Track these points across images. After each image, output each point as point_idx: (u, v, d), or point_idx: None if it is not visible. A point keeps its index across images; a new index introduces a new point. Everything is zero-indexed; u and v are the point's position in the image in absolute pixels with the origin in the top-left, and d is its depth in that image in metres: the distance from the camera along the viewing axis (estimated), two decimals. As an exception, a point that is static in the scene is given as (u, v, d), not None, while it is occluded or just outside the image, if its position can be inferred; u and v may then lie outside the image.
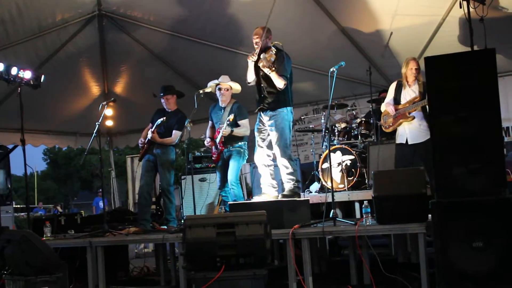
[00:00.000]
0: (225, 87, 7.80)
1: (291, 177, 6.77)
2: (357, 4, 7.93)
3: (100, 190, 14.03)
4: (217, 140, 7.78)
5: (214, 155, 7.91)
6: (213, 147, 7.90)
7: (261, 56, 6.70)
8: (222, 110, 7.88)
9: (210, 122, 8.12)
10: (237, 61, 9.24)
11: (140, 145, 8.23)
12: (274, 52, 6.55)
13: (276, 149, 6.79)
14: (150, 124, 8.19)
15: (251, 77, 6.98)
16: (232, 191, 7.67)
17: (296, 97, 10.31)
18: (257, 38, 6.83)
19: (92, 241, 7.11)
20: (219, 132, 7.73)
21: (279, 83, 6.66)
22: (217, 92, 7.85)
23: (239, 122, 7.73)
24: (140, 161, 8.31)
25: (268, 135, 6.90)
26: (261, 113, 6.95)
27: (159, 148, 7.98)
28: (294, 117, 11.00)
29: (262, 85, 6.90)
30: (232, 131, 7.67)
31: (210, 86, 7.84)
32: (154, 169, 8.11)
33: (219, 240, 5.12)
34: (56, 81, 9.55)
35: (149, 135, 7.92)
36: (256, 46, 6.85)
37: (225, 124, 7.60)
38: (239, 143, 7.77)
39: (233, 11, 8.33)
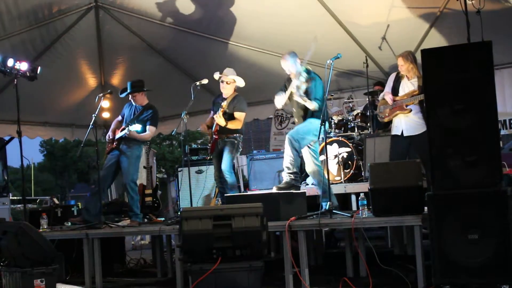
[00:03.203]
0: (227, 80, 7.75)
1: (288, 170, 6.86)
2: (355, -4, 7.95)
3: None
4: (213, 129, 7.76)
5: (209, 144, 7.91)
6: (210, 136, 7.88)
7: (294, 83, 6.84)
8: (223, 101, 7.83)
9: (211, 112, 8.05)
10: (233, 53, 9.23)
11: (108, 140, 8.08)
12: (305, 78, 6.70)
13: None
14: (120, 117, 8.14)
15: (282, 102, 7.11)
16: (226, 179, 7.61)
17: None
18: (289, 67, 7.03)
19: (88, 233, 7.13)
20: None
21: (312, 106, 6.83)
22: (220, 84, 7.82)
23: (235, 115, 7.67)
24: (108, 154, 8.12)
25: None
26: None
27: (127, 144, 7.84)
28: (291, 109, 11.07)
29: (294, 110, 7.17)
30: (226, 124, 7.60)
31: (215, 76, 7.80)
32: (116, 164, 7.95)
33: (216, 232, 5.13)
34: (52, 73, 9.54)
35: (126, 132, 7.68)
36: (289, 73, 7.07)
37: (219, 112, 7.57)
38: (234, 135, 7.71)
39: (230, 3, 8.31)
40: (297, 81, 6.80)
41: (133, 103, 8.00)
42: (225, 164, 7.64)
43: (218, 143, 7.74)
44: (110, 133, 8.07)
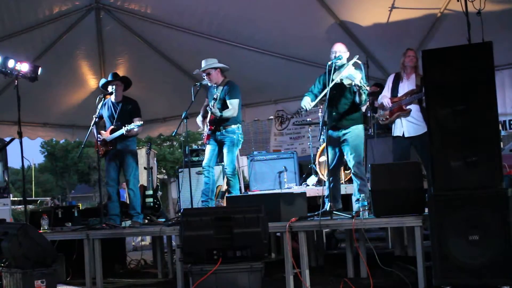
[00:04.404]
0: (205, 72, 7.54)
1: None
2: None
3: None
4: (207, 119, 7.54)
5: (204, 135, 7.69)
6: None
7: (346, 72, 6.50)
8: (216, 89, 7.56)
9: (206, 100, 7.78)
10: (234, 54, 9.22)
11: (100, 141, 7.88)
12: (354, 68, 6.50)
13: None
14: (97, 119, 7.81)
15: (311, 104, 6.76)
16: (230, 183, 7.50)
17: (294, 90, 10.37)
18: (340, 53, 6.70)
19: (89, 234, 7.12)
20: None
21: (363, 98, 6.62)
22: (206, 78, 7.58)
23: (228, 102, 7.37)
24: (104, 157, 7.97)
25: None
26: None
27: (123, 141, 7.74)
28: (291, 110, 11.09)
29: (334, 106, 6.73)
30: (221, 115, 7.30)
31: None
32: (118, 169, 7.89)
33: (216, 233, 5.13)
34: (53, 73, 9.55)
35: (123, 132, 7.56)
36: (338, 61, 6.68)
37: (212, 102, 7.35)
38: (232, 127, 7.41)
39: (230, 4, 8.31)
40: (350, 70, 6.52)
41: (111, 100, 7.84)
42: (228, 166, 7.40)
43: (217, 135, 7.47)
44: (99, 135, 7.88)
